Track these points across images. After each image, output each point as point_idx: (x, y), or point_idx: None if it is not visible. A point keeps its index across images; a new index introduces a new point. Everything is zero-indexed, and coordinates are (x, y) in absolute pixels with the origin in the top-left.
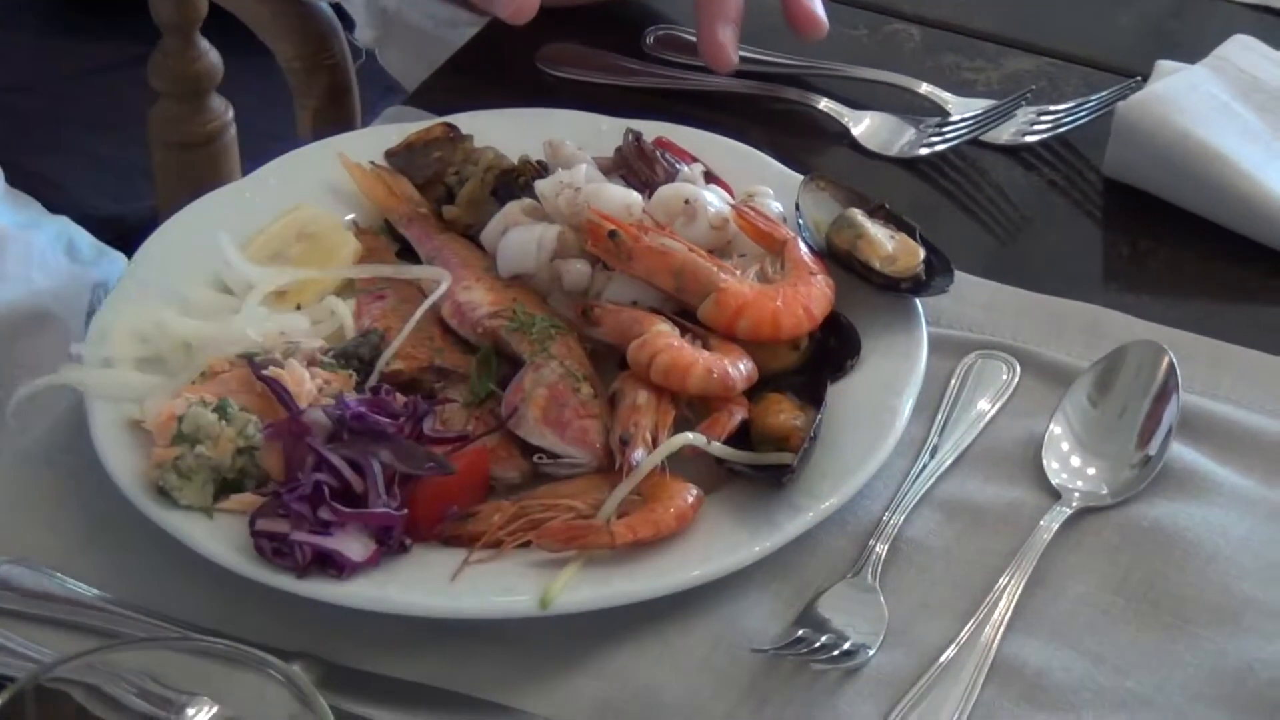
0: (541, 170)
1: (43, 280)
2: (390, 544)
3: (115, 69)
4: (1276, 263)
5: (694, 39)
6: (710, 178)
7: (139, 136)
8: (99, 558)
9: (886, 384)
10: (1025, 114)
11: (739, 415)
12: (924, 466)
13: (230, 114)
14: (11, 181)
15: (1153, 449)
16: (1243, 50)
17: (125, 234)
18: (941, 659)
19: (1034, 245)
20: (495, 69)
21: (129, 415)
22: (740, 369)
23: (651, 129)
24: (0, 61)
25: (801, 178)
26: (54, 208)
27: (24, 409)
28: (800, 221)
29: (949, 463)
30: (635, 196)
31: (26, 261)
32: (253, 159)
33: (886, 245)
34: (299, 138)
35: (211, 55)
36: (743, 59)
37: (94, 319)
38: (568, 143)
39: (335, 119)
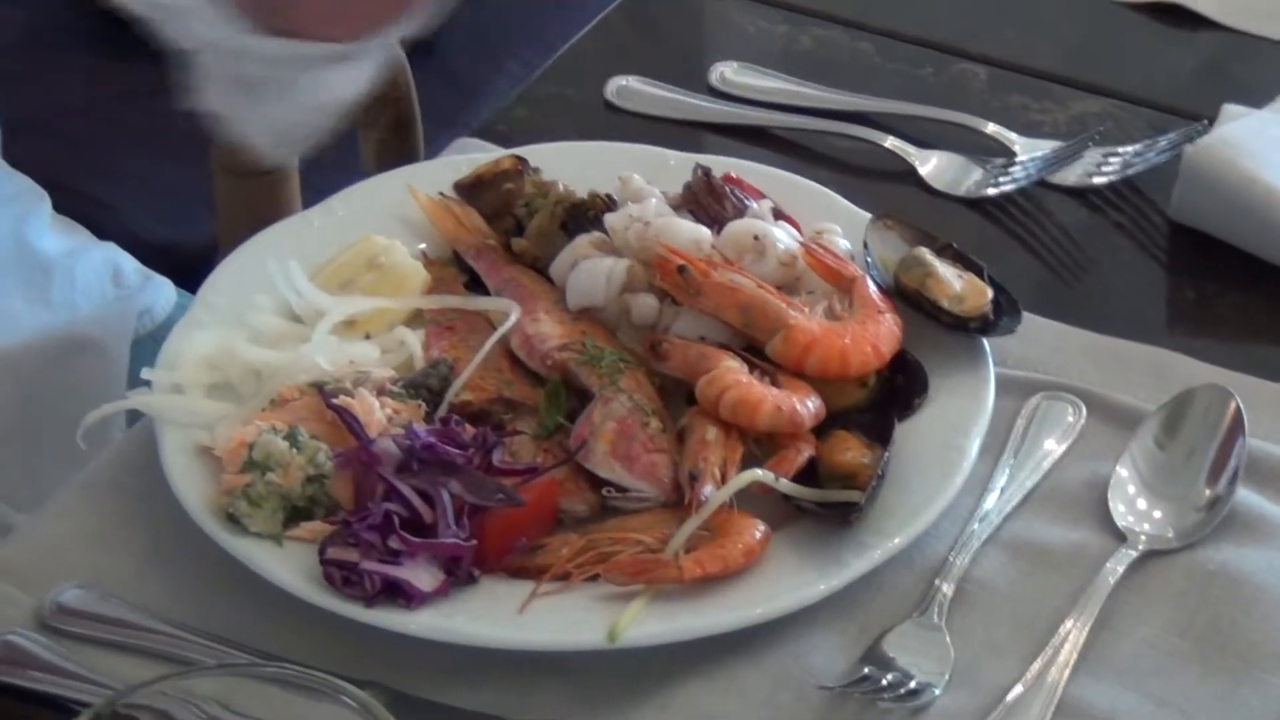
0: (610, 204)
1: (87, 307)
2: (459, 574)
3: (168, 92)
4: None
5: (764, 76)
6: (779, 214)
7: (192, 161)
8: (166, 583)
9: (954, 423)
10: (1092, 155)
11: (807, 452)
12: (990, 506)
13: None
14: (63, 206)
15: (1219, 493)
16: None
17: (178, 259)
18: (1007, 699)
19: (1100, 287)
20: (563, 103)
21: (198, 441)
22: (808, 406)
23: (720, 165)
24: (53, 84)
25: (869, 216)
26: (105, 232)
27: (92, 434)
28: (868, 260)
29: (1015, 503)
30: (704, 232)
31: (71, 289)
32: (314, 190)
33: (955, 284)
34: (362, 169)
35: None
36: (810, 96)
37: (165, 345)
38: (637, 177)
39: (399, 150)
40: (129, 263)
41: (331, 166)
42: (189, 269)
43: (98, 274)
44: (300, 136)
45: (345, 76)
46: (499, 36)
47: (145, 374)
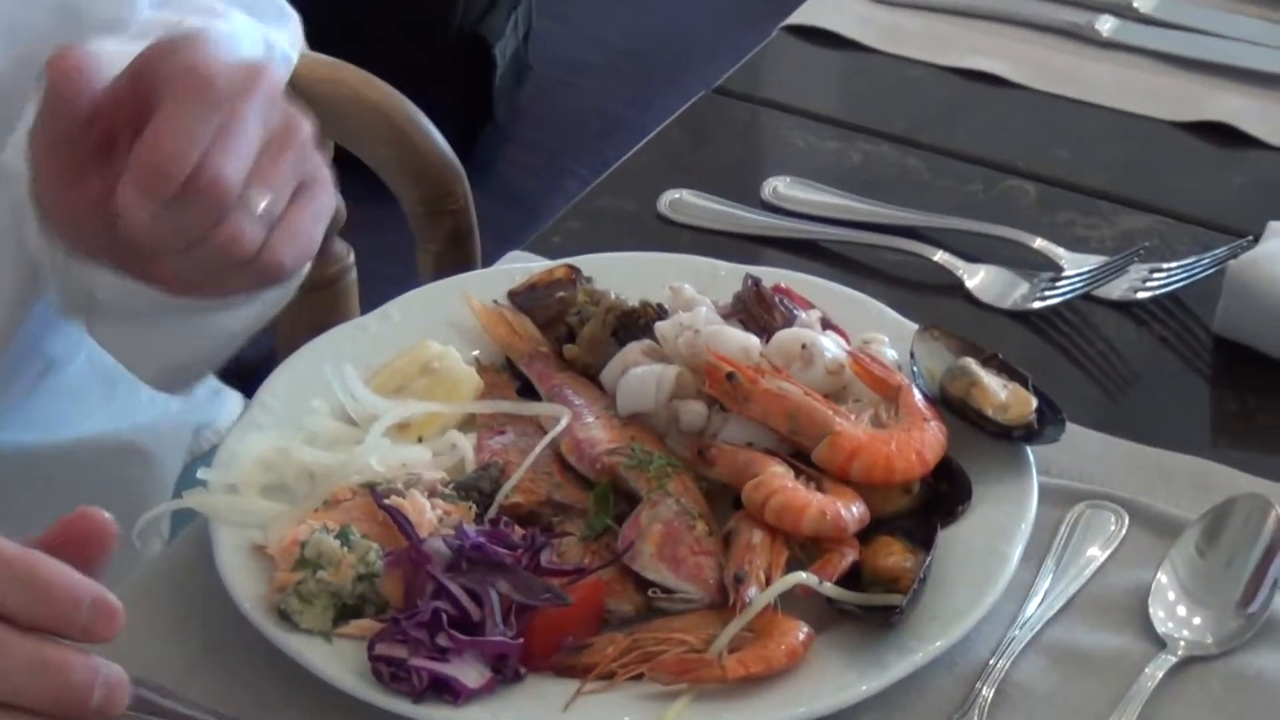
0: (661, 313)
1: (145, 416)
2: (505, 672)
3: None
4: None
5: (815, 190)
6: (827, 324)
7: None
8: (219, 677)
9: (997, 530)
10: (1138, 271)
11: (850, 556)
12: (1032, 612)
13: (351, 258)
14: None
15: (1259, 601)
16: None
17: (242, 372)
18: None
19: (1144, 400)
20: (617, 215)
21: (252, 540)
22: (853, 511)
23: (770, 276)
24: None
25: (916, 327)
26: None
27: (147, 531)
28: (914, 369)
29: (1057, 609)
30: (753, 340)
31: (134, 397)
32: (372, 303)
33: (1000, 394)
34: (419, 282)
35: (337, 201)
36: (861, 211)
37: (221, 446)
38: (687, 286)
39: (456, 264)
40: None
41: (390, 280)
42: (250, 378)
43: None
44: (192, 373)
45: (235, 315)
46: (558, 156)
47: (201, 473)
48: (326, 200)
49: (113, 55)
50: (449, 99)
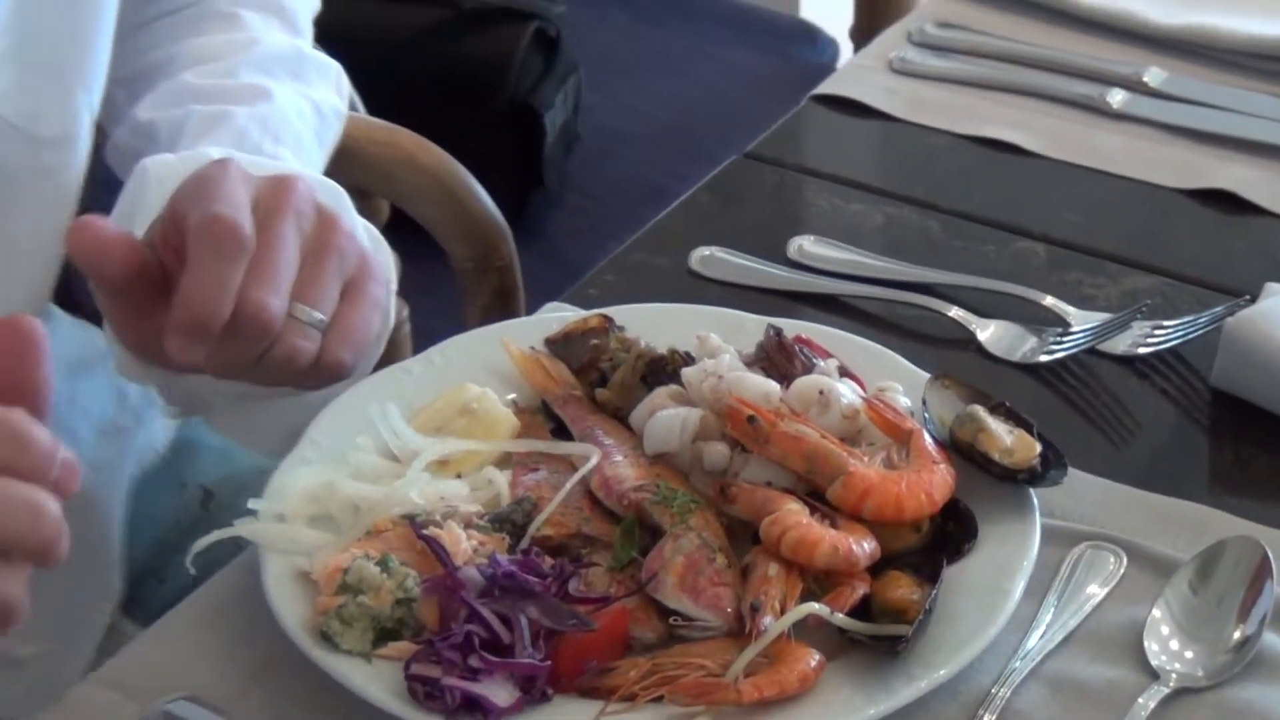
0: (688, 360)
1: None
2: (533, 693)
3: None
4: None
5: (838, 249)
6: (844, 372)
7: None
8: (265, 697)
9: (1000, 567)
10: (1140, 327)
11: (861, 589)
12: (1033, 644)
13: (405, 312)
14: None
15: (1247, 636)
16: None
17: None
18: None
19: (1144, 448)
20: (650, 271)
21: (298, 567)
22: (864, 547)
23: (792, 327)
24: None
25: (928, 376)
26: None
27: (200, 559)
28: (926, 415)
29: (1057, 642)
30: (774, 386)
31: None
32: (422, 349)
33: (1006, 439)
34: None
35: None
36: (880, 269)
37: (272, 479)
38: (713, 336)
39: (501, 317)
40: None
41: (440, 331)
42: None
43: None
44: (212, 405)
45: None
46: (601, 220)
47: (252, 504)
48: (375, 290)
49: (161, 169)
50: (501, 164)
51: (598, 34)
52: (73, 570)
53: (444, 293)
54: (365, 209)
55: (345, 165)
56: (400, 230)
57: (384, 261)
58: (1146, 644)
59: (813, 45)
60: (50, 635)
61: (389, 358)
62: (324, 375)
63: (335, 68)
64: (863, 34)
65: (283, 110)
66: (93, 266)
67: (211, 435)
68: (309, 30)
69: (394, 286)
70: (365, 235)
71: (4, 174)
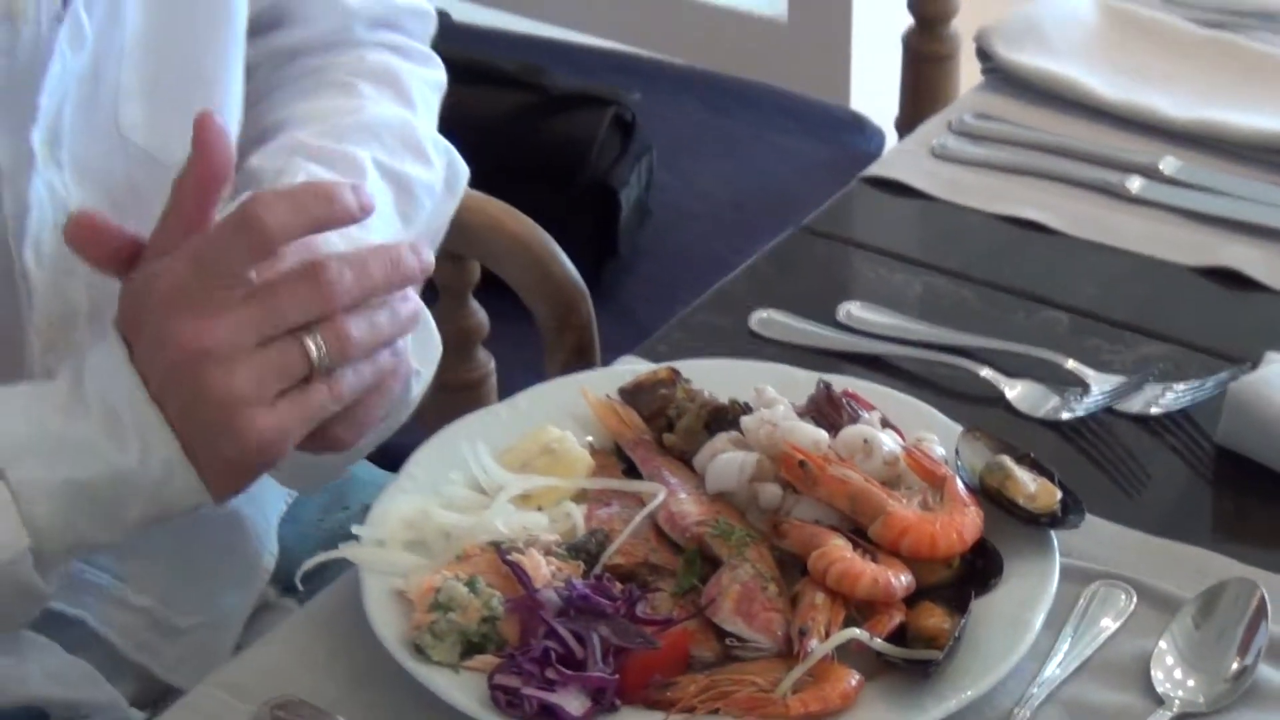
0: (746, 410)
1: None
2: (603, 703)
3: None
4: None
5: (882, 313)
6: (886, 424)
7: None
8: (363, 702)
9: (1023, 601)
10: (1152, 390)
11: (898, 618)
12: (1050, 672)
13: (492, 365)
14: None
15: (1244, 667)
16: None
17: (391, 452)
18: None
19: (1154, 498)
20: (713, 330)
21: (395, 587)
22: (901, 580)
23: (840, 383)
24: None
25: (961, 429)
26: None
27: (312, 575)
28: (959, 463)
29: (1072, 669)
30: (823, 434)
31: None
32: (507, 396)
33: (1030, 486)
34: None
35: (480, 314)
36: (919, 332)
37: (373, 507)
38: (769, 388)
39: (579, 370)
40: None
41: (524, 384)
42: (394, 455)
43: None
44: (327, 476)
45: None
46: (669, 287)
47: (355, 529)
48: (392, 385)
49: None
50: (580, 235)
51: (670, 119)
52: (227, 556)
53: (528, 347)
54: (460, 271)
55: (445, 235)
56: (490, 290)
57: (421, 343)
58: (1153, 673)
59: (862, 134)
60: (204, 612)
61: (478, 404)
62: (322, 445)
63: (446, 148)
64: (907, 124)
65: (368, 185)
66: (80, 246)
67: (368, 469)
68: (425, 105)
69: (424, 370)
70: None
71: (138, 196)
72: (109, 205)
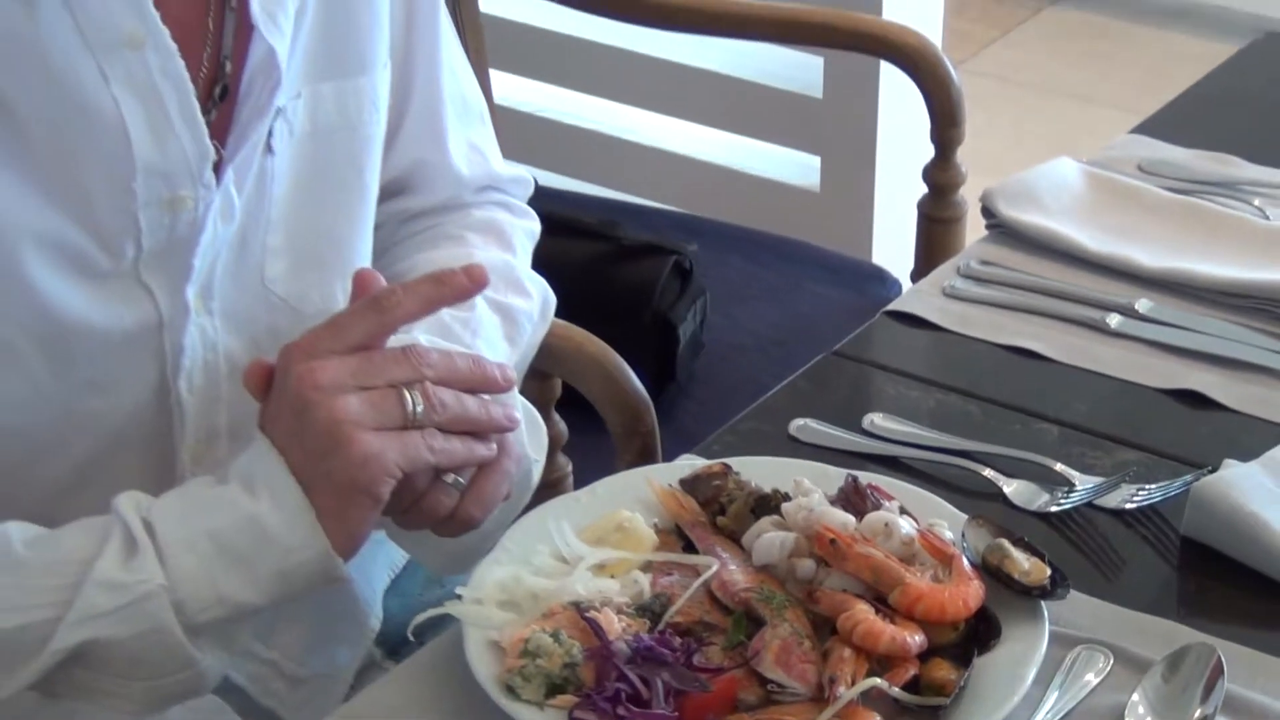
0: (786, 498)
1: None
2: None
3: None
4: None
5: (901, 423)
6: (903, 511)
7: None
8: None
9: (1017, 660)
10: (1128, 489)
11: (912, 670)
12: (1040, 719)
13: (569, 468)
14: None
15: (1205, 716)
16: None
17: None
18: None
19: (1129, 578)
20: (759, 435)
21: (490, 638)
22: (915, 639)
23: (865, 478)
24: None
25: (966, 517)
26: None
27: (422, 627)
28: (964, 545)
29: (1059, 717)
30: (850, 519)
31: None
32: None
33: (1024, 564)
34: None
35: (561, 425)
36: (931, 438)
37: (474, 573)
38: (806, 481)
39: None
40: None
41: (596, 478)
42: None
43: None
44: (466, 561)
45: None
46: (720, 408)
47: (458, 590)
48: (508, 465)
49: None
50: (644, 362)
51: (721, 268)
52: (340, 618)
53: (601, 450)
54: (546, 386)
55: (534, 355)
56: (570, 403)
57: (534, 436)
58: None
59: (882, 284)
60: (321, 664)
61: (559, 492)
62: (457, 526)
63: (540, 283)
64: (921, 276)
65: (480, 315)
66: (255, 390)
67: None
68: (523, 249)
69: (538, 456)
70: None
71: (277, 338)
72: (252, 345)
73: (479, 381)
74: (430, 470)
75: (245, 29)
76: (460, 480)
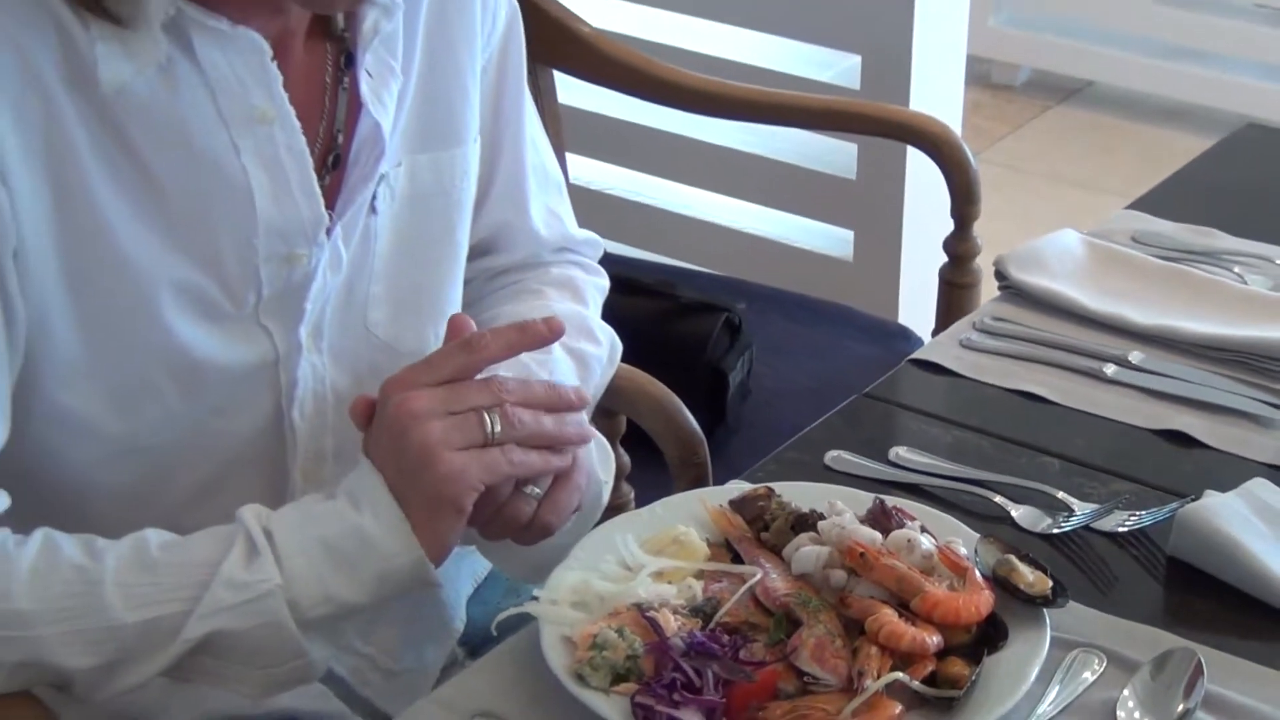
0: (822, 517)
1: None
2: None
3: None
4: (1273, 613)
5: (923, 455)
6: (924, 530)
7: None
8: (539, 716)
9: (1022, 659)
10: (1120, 515)
11: (930, 667)
12: (1041, 711)
13: (631, 495)
14: None
15: (1187, 710)
16: (1259, 487)
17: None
18: None
19: (1121, 591)
20: (797, 464)
21: (563, 634)
22: (933, 640)
23: (890, 501)
24: None
25: (979, 536)
26: None
27: (503, 624)
28: (977, 559)
29: (1058, 710)
30: (877, 535)
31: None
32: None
33: (1029, 576)
34: None
35: (625, 456)
36: (949, 469)
37: (550, 578)
38: (839, 502)
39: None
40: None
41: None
42: None
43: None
44: (549, 565)
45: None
46: (767, 449)
47: (536, 592)
48: (579, 479)
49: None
50: (697, 406)
51: (767, 326)
52: (429, 619)
53: (660, 480)
54: (612, 422)
55: (603, 394)
56: (633, 438)
57: (603, 461)
58: (1119, 714)
59: (907, 341)
60: (411, 660)
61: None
62: (535, 533)
63: (609, 331)
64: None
65: (556, 358)
66: (359, 422)
67: None
68: (594, 302)
69: (606, 478)
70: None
71: (377, 374)
72: (355, 380)
73: (554, 401)
74: (510, 482)
75: (355, 106)
76: (537, 490)
